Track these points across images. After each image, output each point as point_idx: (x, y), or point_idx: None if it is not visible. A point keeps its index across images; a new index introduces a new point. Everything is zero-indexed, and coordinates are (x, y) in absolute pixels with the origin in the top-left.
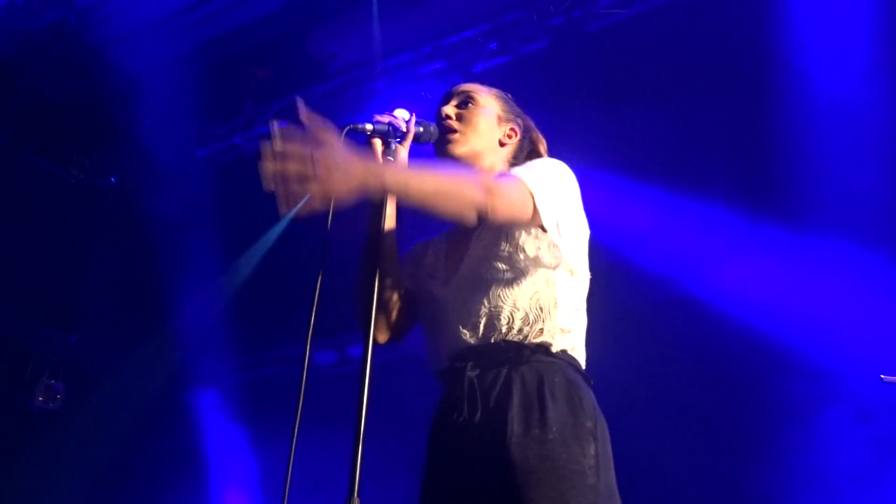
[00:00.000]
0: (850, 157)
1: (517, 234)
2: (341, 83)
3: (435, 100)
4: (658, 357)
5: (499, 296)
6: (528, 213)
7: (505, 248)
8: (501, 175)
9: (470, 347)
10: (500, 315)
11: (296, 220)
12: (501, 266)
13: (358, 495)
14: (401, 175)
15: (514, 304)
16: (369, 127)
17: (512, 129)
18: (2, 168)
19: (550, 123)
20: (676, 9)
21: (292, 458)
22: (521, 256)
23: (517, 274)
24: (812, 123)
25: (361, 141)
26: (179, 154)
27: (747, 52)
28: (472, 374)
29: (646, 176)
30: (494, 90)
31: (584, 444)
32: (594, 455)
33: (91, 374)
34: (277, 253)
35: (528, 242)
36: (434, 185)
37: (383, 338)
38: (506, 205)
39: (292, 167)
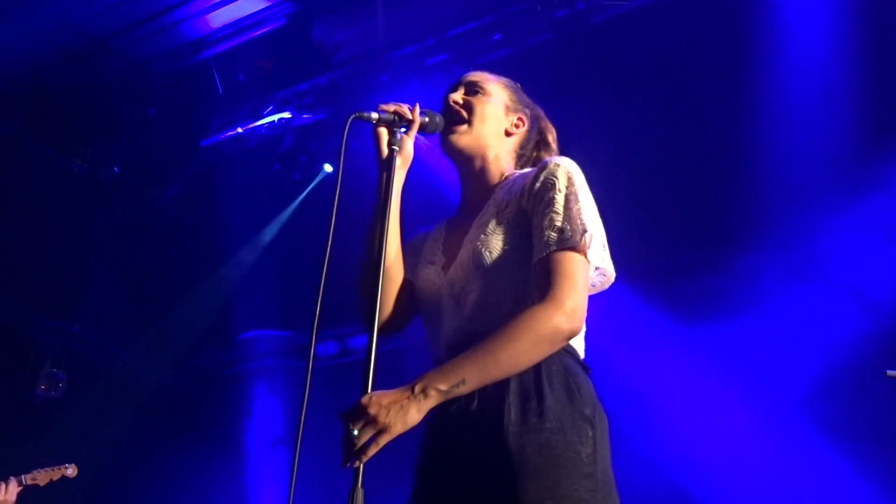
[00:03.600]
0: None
1: (522, 234)
2: (345, 74)
3: (440, 96)
4: None
5: (495, 284)
6: (591, 279)
7: (507, 239)
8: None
9: (467, 335)
10: (497, 303)
11: (299, 213)
12: (500, 254)
13: (362, 485)
14: (451, 376)
15: (512, 292)
16: (375, 116)
17: (519, 119)
18: (5, 158)
19: (554, 115)
20: (680, 0)
21: (298, 447)
22: (525, 249)
23: (516, 262)
24: (809, 114)
25: (367, 130)
26: (182, 144)
27: (752, 44)
28: None
29: (647, 169)
30: (504, 79)
31: (581, 433)
32: (592, 444)
33: (93, 363)
34: (280, 243)
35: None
36: (495, 358)
37: (384, 327)
38: (583, 306)
39: (363, 437)
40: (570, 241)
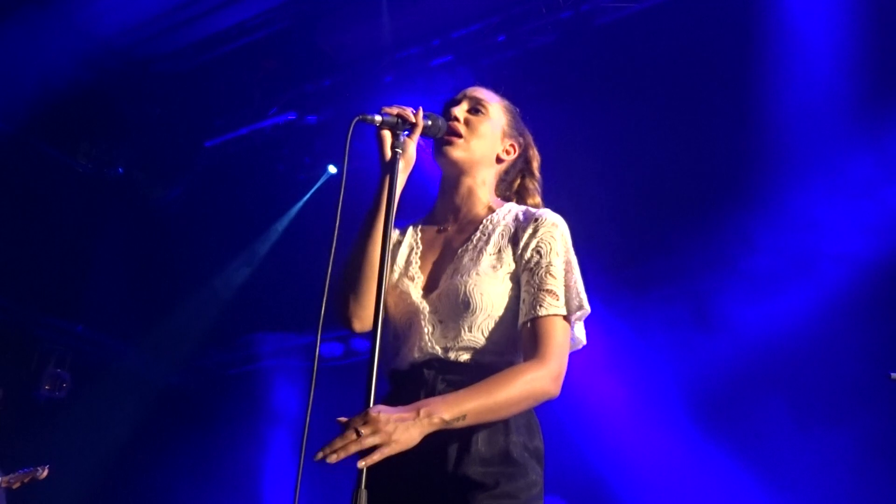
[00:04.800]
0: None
1: (514, 285)
2: (349, 75)
3: (445, 97)
4: None
5: (483, 327)
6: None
7: (500, 286)
8: (539, 317)
9: (439, 359)
10: (476, 343)
11: (303, 213)
12: (492, 299)
13: (366, 486)
14: (455, 408)
15: (492, 337)
16: (378, 118)
17: (511, 146)
18: (10, 157)
19: (558, 117)
20: (685, 3)
21: (304, 448)
22: (514, 301)
23: (506, 311)
24: (814, 116)
25: (370, 132)
26: (187, 144)
27: (756, 46)
28: (441, 385)
29: (651, 170)
30: (505, 102)
31: (535, 470)
32: (541, 481)
33: (97, 363)
34: (284, 244)
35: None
36: (495, 401)
37: (360, 326)
38: (564, 373)
39: (366, 441)
40: (565, 309)
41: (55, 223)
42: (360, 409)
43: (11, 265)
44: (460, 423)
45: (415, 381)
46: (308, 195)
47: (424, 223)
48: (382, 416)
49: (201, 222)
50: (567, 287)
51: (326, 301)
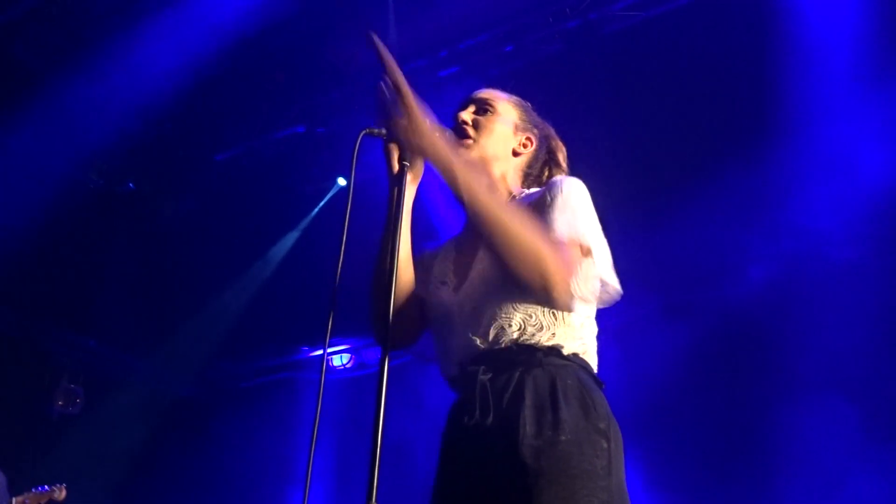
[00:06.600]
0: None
1: None
2: (358, 88)
3: (452, 108)
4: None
5: (509, 302)
6: (597, 291)
7: None
8: (554, 238)
9: (481, 352)
10: (511, 321)
11: (313, 225)
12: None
13: (376, 500)
14: (473, 176)
15: (526, 310)
16: (385, 131)
17: (528, 139)
18: (21, 173)
19: (565, 126)
20: (692, 11)
21: (311, 460)
22: None
23: None
24: (822, 130)
25: (378, 145)
26: (197, 158)
27: (765, 53)
28: (484, 377)
29: (658, 178)
30: (514, 98)
31: (596, 446)
32: (606, 457)
33: (110, 377)
34: (295, 256)
35: None
36: (507, 213)
37: (397, 343)
38: (581, 290)
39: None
40: (558, 234)
41: (67, 239)
42: (370, 421)
43: (23, 280)
44: (461, 195)
45: (466, 379)
46: (318, 207)
47: (461, 234)
48: (417, 108)
49: (212, 236)
50: (560, 215)
51: (335, 315)
